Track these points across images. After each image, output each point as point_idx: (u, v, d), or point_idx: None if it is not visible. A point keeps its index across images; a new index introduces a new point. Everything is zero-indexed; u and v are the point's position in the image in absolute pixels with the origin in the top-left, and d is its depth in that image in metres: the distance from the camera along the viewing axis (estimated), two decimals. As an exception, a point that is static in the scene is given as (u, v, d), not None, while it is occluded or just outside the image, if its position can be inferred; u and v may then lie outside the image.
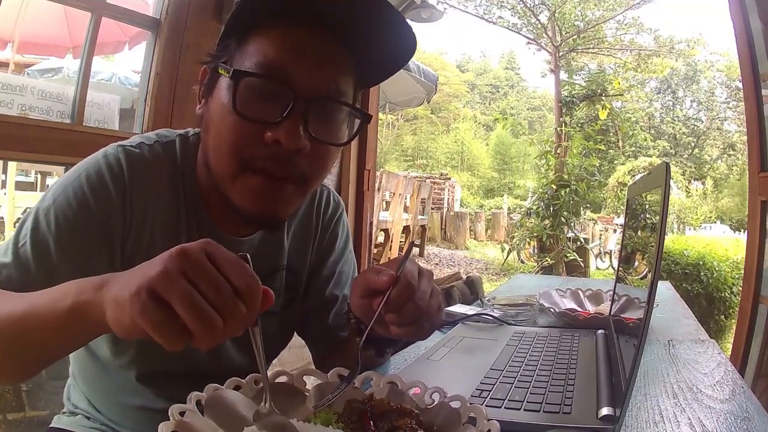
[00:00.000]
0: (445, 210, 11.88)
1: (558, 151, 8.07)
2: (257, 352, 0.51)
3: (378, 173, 6.07)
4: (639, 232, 0.93)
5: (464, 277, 1.50)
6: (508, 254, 8.66)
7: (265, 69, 0.64)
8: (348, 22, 0.66)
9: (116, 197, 0.69)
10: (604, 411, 0.61)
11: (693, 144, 21.41)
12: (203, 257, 0.44)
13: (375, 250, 6.78)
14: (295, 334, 0.94)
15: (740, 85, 2.49)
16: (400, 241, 7.68)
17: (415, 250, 8.84)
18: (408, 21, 0.68)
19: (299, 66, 0.65)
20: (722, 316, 4.97)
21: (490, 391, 0.71)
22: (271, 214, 0.71)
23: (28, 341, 0.56)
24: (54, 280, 0.65)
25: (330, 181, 2.37)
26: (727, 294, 5.02)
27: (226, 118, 0.66)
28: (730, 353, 2.38)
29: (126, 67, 4.42)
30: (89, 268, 0.67)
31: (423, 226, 9.11)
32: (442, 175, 13.46)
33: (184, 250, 0.44)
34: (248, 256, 0.48)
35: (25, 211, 4.53)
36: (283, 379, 0.60)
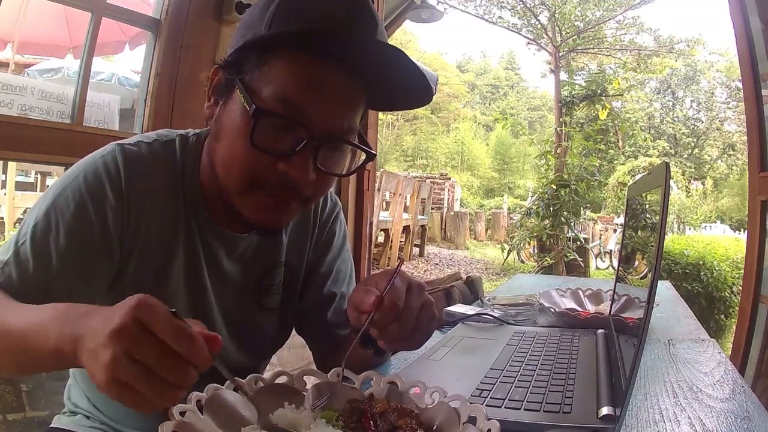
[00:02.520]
0: (445, 210, 11.88)
1: (558, 151, 8.07)
2: (225, 374, 0.53)
3: (378, 173, 6.07)
4: (639, 232, 0.93)
5: (464, 277, 1.50)
6: (508, 254, 8.67)
7: (284, 105, 0.66)
8: (368, 63, 0.67)
9: (113, 199, 0.71)
10: (604, 410, 0.61)
11: (693, 144, 21.40)
12: (141, 334, 0.45)
13: (375, 250, 6.79)
14: (296, 334, 0.95)
15: (740, 85, 2.49)
16: (400, 241, 7.69)
17: (415, 250, 8.84)
18: (423, 70, 0.69)
19: (316, 106, 0.66)
20: (722, 316, 4.98)
21: (490, 390, 0.71)
22: (274, 225, 0.75)
23: (24, 360, 0.58)
24: (52, 279, 0.67)
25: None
26: (727, 294, 5.03)
27: (239, 142, 0.68)
28: (730, 353, 2.38)
29: (126, 67, 4.43)
30: (88, 268, 0.69)
31: (423, 226, 9.11)
32: (442, 175, 13.46)
33: (121, 331, 0.45)
34: (176, 311, 0.48)
35: (25, 211, 4.53)
36: (283, 379, 0.60)
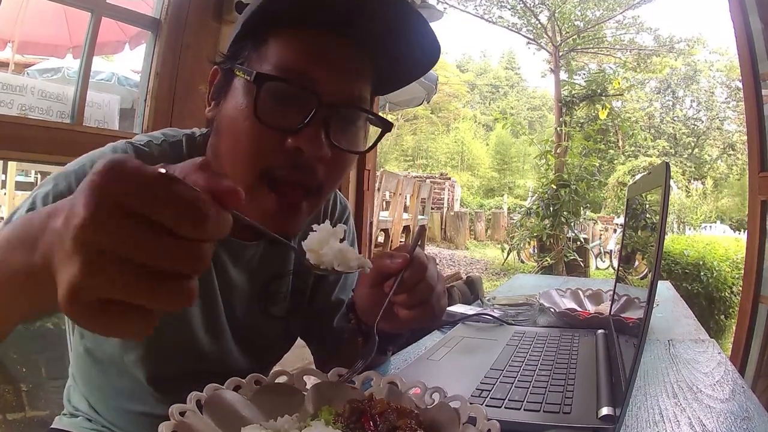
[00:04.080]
0: (445, 210, 11.88)
1: (558, 151, 8.07)
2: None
3: (378, 173, 6.06)
4: (639, 232, 0.93)
5: (464, 277, 1.50)
6: (508, 254, 8.66)
7: (287, 73, 0.62)
8: (370, 31, 0.64)
9: None
10: (604, 411, 0.61)
11: (693, 144, 21.39)
12: (115, 218, 0.30)
13: (375, 250, 6.78)
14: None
15: (740, 85, 2.49)
16: (400, 241, 7.68)
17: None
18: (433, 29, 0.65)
19: (322, 71, 0.63)
20: (722, 316, 4.97)
21: (490, 391, 0.71)
22: (283, 233, 0.69)
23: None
24: None
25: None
26: (727, 294, 5.02)
27: (244, 124, 0.63)
28: (730, 353, 2.38)
29: (126, 67, 4.43)
30: None
31: (423, 226, 9.09)
32: (442, 174, 13.46)
33: (89, 223, 0.29)
34: (167, 172, 0.32)
35: (25, 211, 4.52)
36: (283, 379, 0.60)
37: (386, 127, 0.70)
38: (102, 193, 0.30)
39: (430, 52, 0.68)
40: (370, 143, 0.73)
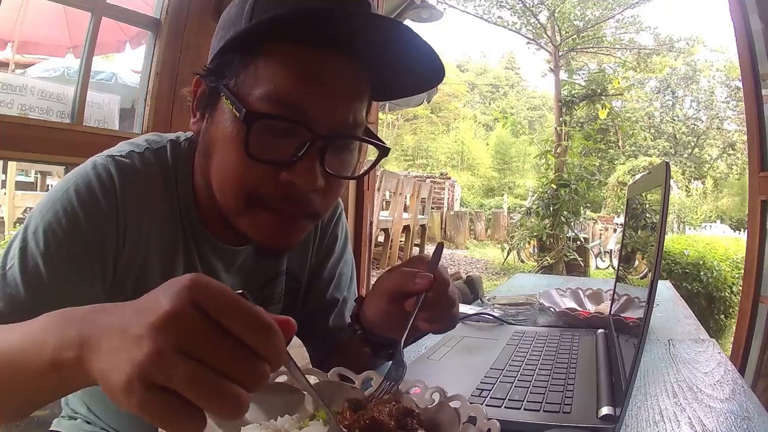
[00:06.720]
0: (445, 209, 11.89)
1: (558, 151, 8.08)
2: (299, 382, 0.45)
3: (378, 173, 6.06)
4: (639, 232, 0.93)
5: (464, 276, 1.50)
6: (508, 254, 8.67)
7: (279, 105, 0.59)
8: (368, 46, 0.60)
9: (108, 211, 0.64)
10: (604, 410, 0.61)
11: (693, 144, 21.40)
12: (198, 319, 0.34)
13: (375, 250, 6.78)
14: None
15: (740, 85, 2.49)
16: (400, 241, 7.68)
17: (415, 250, 8.84)
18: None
19: (317, 100, 0.60)
20: (722, 316, 4.97)
21: (490, 390, 0.71)
22: (284, 246, 0.70)
23: (10, 391, 0.45)
24: (47, 302, 0.59)
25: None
26: (727, 293, 5.02)
27: (233, 154, 0.61)
28: (730, 353, 2.38)
29: (126, 67, 4.43)
30: (82, 288, 0.64)
31: (423, 226, 9.11)
32: (442, 174, 13.47)
33: (174, 317, 0.34)
34: (245, 293, 0.38)
35: (25, 210, 4.53)
36: (282, 378, 0.60)
37: (383, 151, 0.68)
38: (189, 296, 0.34)
39: (432, 71, 0.65)
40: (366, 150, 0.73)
